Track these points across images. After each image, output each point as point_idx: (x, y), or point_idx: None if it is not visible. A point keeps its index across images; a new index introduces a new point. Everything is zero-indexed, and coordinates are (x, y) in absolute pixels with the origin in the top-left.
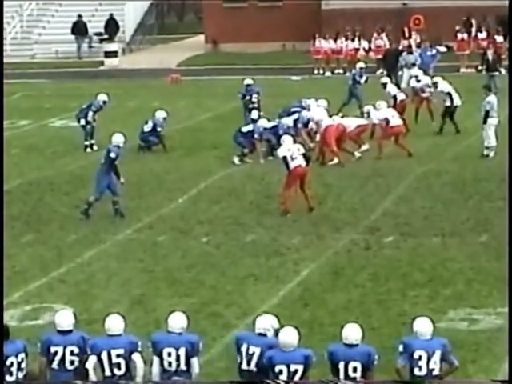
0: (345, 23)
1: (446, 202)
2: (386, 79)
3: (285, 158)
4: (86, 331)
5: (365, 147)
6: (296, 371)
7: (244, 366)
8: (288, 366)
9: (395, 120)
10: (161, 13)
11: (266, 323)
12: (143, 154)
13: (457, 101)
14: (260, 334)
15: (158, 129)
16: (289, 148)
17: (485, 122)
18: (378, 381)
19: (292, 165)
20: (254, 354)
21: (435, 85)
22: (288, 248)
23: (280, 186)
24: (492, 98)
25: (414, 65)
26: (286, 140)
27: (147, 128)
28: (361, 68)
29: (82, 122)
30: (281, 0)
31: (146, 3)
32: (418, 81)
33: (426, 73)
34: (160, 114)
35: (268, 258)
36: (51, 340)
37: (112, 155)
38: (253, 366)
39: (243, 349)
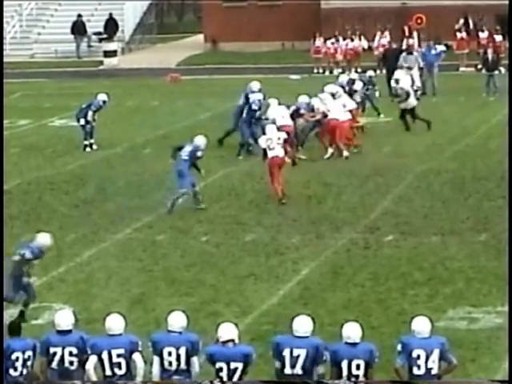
0: (344, 22)
1: (445, 201)
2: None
3: (264, 148)
4: (86, 330)
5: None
6: (236, 369)
7: (287, 371)
8: (228, 364)
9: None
10: (160, 12)
11: (306, 326)
12: (142, 153)
13: (412, 101)
14: (300, 336)
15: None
16: (269, 138)
17: None
18: (375, 381)
19: (269, 154)
20: (299, 356)
21: (397, 81)
22: (287, 247)
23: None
24: None
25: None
26: (269, 130)
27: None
28: (370, 77)
29: (82, 121)
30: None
31: (146, 3)
32: (397, 83)
33: (430, 72)
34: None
35: (268, 257)
36: (50, 340)
37: (199, 154)
38: (298, 369)
39: (286, 353)
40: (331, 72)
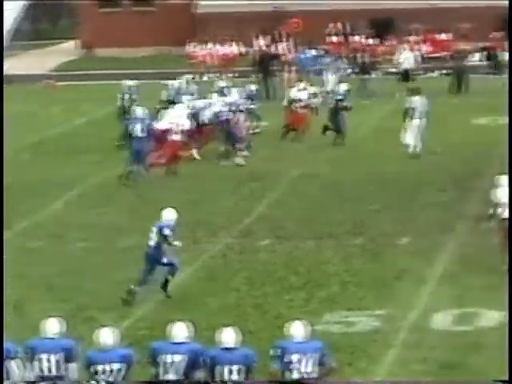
0: (219, 27)
1: (321, 205)
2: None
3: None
4: None
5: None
6: (115, 370)
7: (165, 377)
8: (109, 365)
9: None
10: (35, 18)
11: (183, 332)
12: (17, 159)
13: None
14: (178, 343)
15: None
16: (172, 122)
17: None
18: (257, 381)
19: (170, 137)
20: (177, 362)
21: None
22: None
23: (158, 189)
24: (415, 99)
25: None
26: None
27: None
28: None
29: None
30: (154, 5)
31: (20, 8)
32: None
33: (307, 76)
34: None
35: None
36: None
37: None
38: (176, 375)
39: (163, 359)
40: (201, 76)
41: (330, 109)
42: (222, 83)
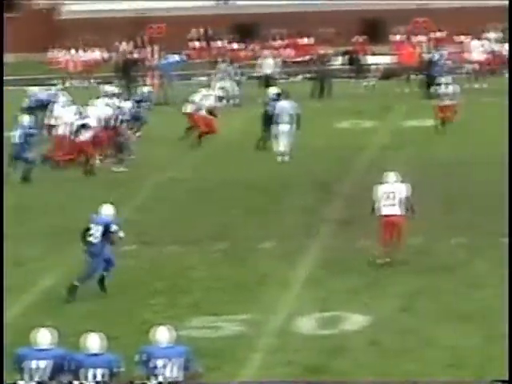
0: (82, 33)
1: (186, 210)
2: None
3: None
4: None
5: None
6: None
7: (29, 382)
8: None
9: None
10: None
11: (47, 337)
12: None
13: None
14: (43, 349)
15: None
16: (69, 122)
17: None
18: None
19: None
20: (42, 368)
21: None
22: (30, 258)
23: (26, 194)
24: (281, 104)
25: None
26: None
27: None
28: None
29: None
30: (16, 11)
31: None
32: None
33: (170, 81)
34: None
35: (10, 267)
36: None
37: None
38: (42, 380)
39: (29, 365)
40: (64, 83)
41: (262, 115)
42: (109, 88)
